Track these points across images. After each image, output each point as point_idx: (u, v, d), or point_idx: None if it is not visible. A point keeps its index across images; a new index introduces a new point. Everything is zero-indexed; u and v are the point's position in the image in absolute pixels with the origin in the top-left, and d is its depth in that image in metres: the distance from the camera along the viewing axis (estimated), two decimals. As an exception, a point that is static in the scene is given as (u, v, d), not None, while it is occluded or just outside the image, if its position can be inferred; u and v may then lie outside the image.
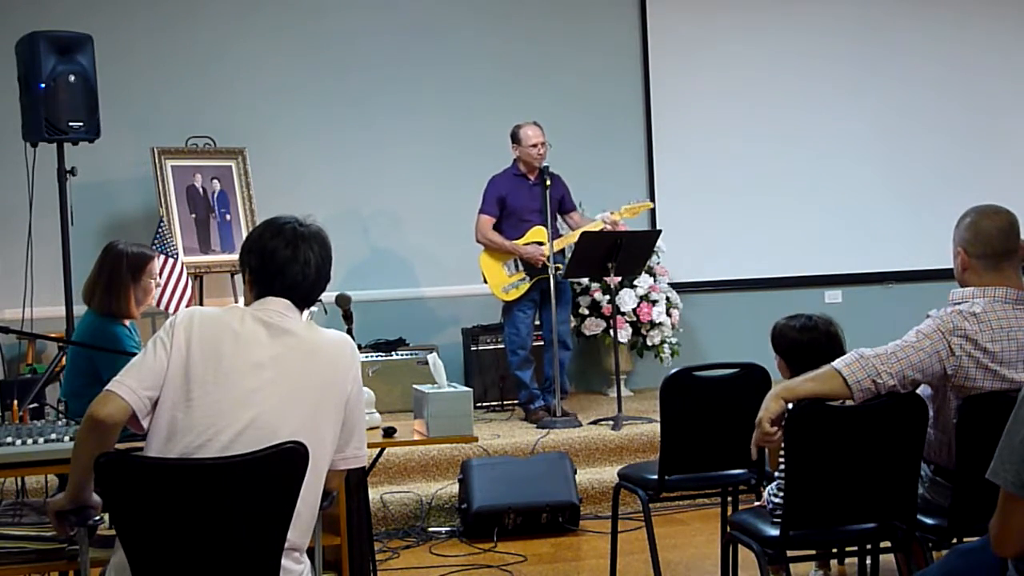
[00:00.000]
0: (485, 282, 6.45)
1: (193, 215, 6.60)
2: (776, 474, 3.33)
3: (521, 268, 6.36)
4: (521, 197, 6.37)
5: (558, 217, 6.48)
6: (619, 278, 6.62)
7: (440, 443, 4.72)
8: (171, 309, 5.95)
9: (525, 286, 6.36)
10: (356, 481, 3.56)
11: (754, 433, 3.03)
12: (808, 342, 3.54)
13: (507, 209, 6.39)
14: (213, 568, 2.40)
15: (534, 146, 6.30)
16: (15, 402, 3.51)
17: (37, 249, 6.01)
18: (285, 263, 2.65)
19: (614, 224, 6.33)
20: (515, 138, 6.38)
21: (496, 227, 6.39)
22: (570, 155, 6.75)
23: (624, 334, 6.91)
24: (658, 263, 7.18)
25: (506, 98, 7.33)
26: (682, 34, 7.78)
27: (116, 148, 6.54)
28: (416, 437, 3.83)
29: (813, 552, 3.87)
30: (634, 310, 6.95)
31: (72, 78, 5.73)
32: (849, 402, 3.03)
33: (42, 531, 3.20)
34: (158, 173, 6.49)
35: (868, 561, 3.62)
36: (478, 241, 6.43)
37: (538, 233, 6.31)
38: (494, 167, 6.50)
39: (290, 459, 2.41)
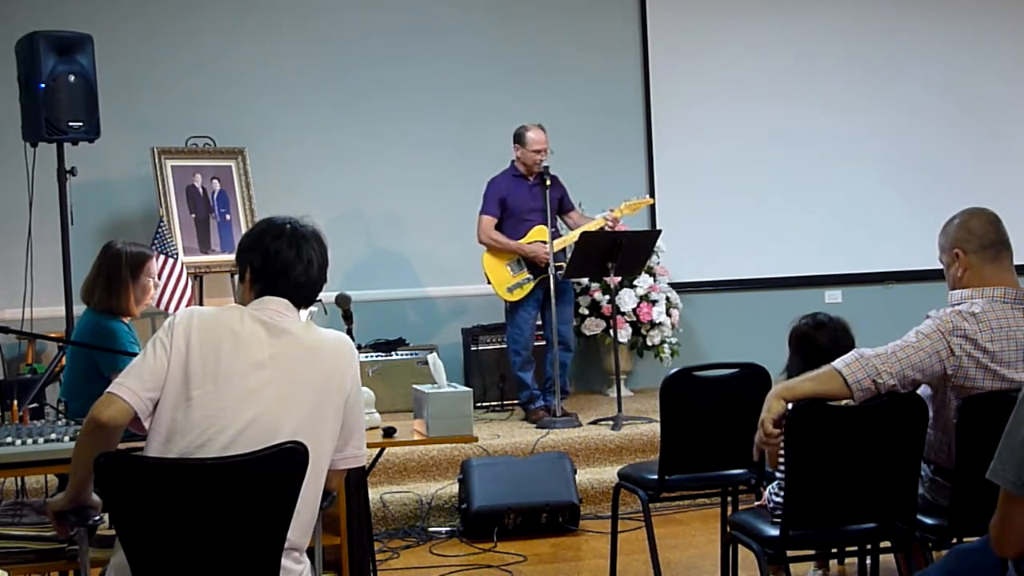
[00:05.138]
0: (488, 283, 6.44)
1: (193, 215, 6.60)
2: (777, 473, 3.33)
3: (525, 267, 6.36)
4: (521, 197, 6.37)
5: (558, 218, 6.48)
6: (619, 278, 6.62)
7: (440, 443, 4.73)
8: (171, 309, 5.95)
9: (530, 285, 6.35)
10: (356, 481, 3.56)
11: (756, 434, 3.03)
12: (807, 336, 3.56)
13: (508, 210, 6.39)
14: (213, 568, 2.40)
15: (536, 152, 6.29)
16: (15, 402, 3.51)
17: (37, 249, 6.02)
18: (288, 263, 2.65)
19: (614, 221, 6.33)
20: (519, 139, 6.37)
21: (497, 228, 6.40)
22: (570, 155, 6.74)
23: (624, 334, 6.91)
24: (658, 263, 7.18)
25: (506, 98, 7.33)
26: (682, 34, 7.77)
27: (116, 148, 6.53)
28: (416, 437, 3.83)
29: (813, 552, 3.88)
30: (634, 310, 6.95)
31: (72, 78, 5.73)
32: (849, 402, 3.04)
33: (42, 531, 3.20)
34: (158, 173, 6.49)
35: (868, 561, 3.62)
36: (481, 242, 6.42)
37: (540, 232, 6.31)
38: (494, 167, 6.50)
39: (290, 459, 2.41)
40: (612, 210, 6.38)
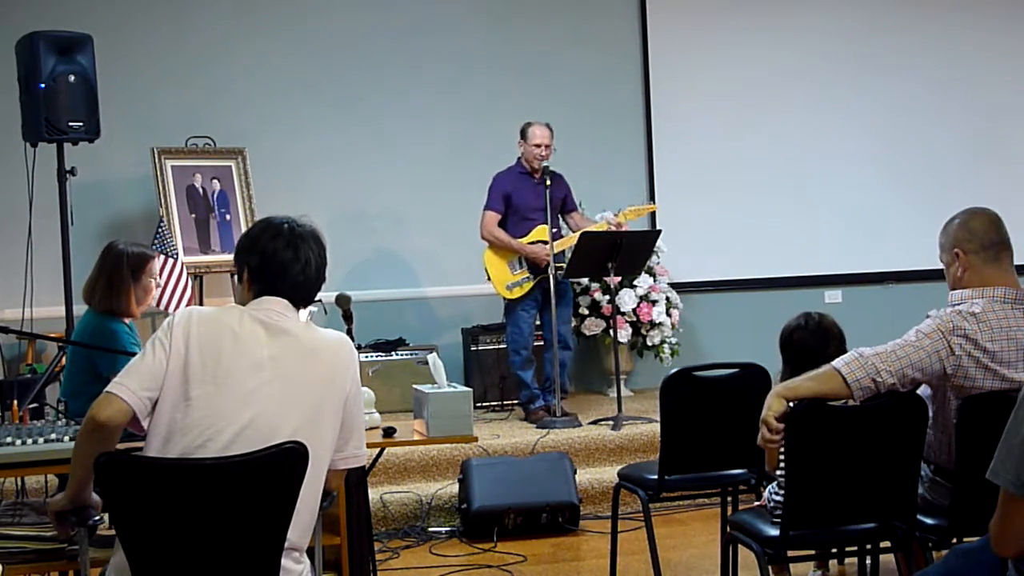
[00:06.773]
0: (488, 279, 6.43)
1: (193, 215, 6.60)
2: (776, 473, 3.33)
3: (525, 266, 6.35)
4: (526, 195, 6.36)
5: (559, 217, 6.48)
6: (619, 278, 6.61)
7: (440, 443, 4.72)
8: (171, 309, 5.95)
9: (529, 284, 6.35)
10: (356, 481, 3.56)
11: (759, 433, 3.02)
12: (786, 338, 3.58)
13: (511, 207, 6.38)
14: (213, 568, 2.40)
15: (537, 146, 6.29)
16: (15, 402, 3.51)
17: (37, 249, 6.02)
18: (287, 263, 2.65)
19: (618, 226, 6.32)
20: (523, 134, 6.38)
21: (500, 224, 6.39)
22: (570, 155, 6.74)
23: (624, 334, 6.91)
24: (658, 263, 7.18)
25: (506, 98, 7.34)
26: (682, 34, 7.77)
27: (116, 148, 6.54)
28: (416, 437, 3.82)
29: (813, 552, 3.88)
30: (634, 310, 6.95)
31: (72, 78, 5.73)
32: (849, 401, 3.04)
33: (42, 531, 3.20)
34: (158, 173, 6.49)
35: (868, 561, 3.62)
36: (483, 238, 6.41)
37: (542, 232, 6.30)
38: (494, 167, 6.49)
39: (290, 459, 2.41)
40: (615, 215, 6.37)
